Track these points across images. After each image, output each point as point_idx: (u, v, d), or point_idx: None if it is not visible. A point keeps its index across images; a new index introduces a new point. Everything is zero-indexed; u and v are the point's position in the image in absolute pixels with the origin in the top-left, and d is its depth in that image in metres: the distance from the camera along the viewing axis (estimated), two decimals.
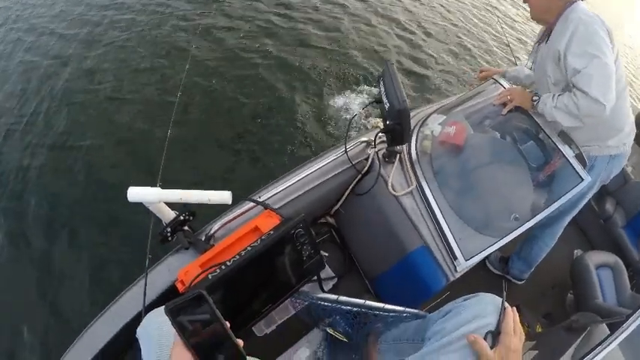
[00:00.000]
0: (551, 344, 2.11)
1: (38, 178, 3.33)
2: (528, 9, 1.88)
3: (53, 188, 3.25)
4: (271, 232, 1.38)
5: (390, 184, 1.91)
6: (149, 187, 1.46)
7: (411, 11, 6.66)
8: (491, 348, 0.91)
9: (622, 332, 1.80)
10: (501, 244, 1.77)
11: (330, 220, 2.35)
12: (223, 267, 1.28)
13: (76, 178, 3.32)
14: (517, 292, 2.53)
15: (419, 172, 1.95)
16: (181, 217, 1.62)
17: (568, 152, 1.86)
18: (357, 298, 2.12)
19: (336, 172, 2.04)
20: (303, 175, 1.95)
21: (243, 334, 1.43)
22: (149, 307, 1.41)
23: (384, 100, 1.78)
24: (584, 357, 1.74)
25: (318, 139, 3.87)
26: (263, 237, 1.36)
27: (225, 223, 1.75)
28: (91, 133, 3.69)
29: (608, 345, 1.75)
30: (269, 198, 1.85)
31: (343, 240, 2.33)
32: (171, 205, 1.59)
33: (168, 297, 1.58)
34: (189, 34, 4.87)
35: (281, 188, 1.89)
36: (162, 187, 1.48)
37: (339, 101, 4.36)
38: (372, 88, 4.63)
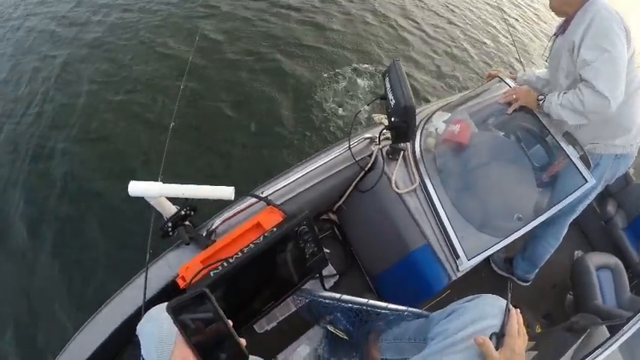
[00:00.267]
0: (551, 345, 2.11)
1: (39, 171, 3.31)
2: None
3: (51, 184, 3.22)
4: (274, 230, 1.36)
5: (393, 182, 1.90)
6: (150, 182, 1.44)
7: (413, 12, 6.61)
8: (496, 350, 0.91)
9: (622, 335, 1.79)
10: (504, 244, 1.77)
11: (333, 216, 2.34)
12: (225, 264, 1.26)
13: (75, 173, 3.29)
14: (517, 292, 2.52)
15: (422, 170, 1.94)
16: (182, 212, 1.60)
17: (572, 153, 1.85)
18: (358, 295, 2.12)
19: (340, 169, 2.02)
20: (306, 171, 1.94)
21: (244, 330, 1.43)
22: (149, 303, 1.40)
23: (390, 96, 1.76)
24: (583, 359, 1.73)
25: (321, 135, 3.86)
26: (266, 234, 1.34)
27: (227, 219, 1.74)
28: (90, 129, 3.65)
29: (608, 347, 1.74)
30: (271, 194, 1.83)
31: (345, 237, 2.32)
32: (173, 200, 1.58)
33: (168, 293, 1.58)
34: (191, 28, 4.83)
35: (284, 184, 1.87)
36: (164, 182, 1.47)
37: (342, 98, 4.34)
38: (374, 85, 4.62)
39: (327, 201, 2.18)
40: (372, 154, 2.03)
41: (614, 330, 1.88)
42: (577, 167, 1.82)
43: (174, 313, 0.72)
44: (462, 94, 2.44)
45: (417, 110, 2.17)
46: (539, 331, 2.30)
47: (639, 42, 1.86)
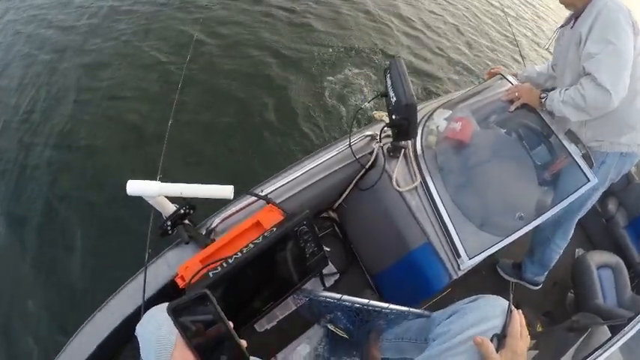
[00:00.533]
0: (552, 344, 2.11)
1: (35, 172, 3.27)
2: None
3: (50, 183, 3.19)
4: (274, 229, 1.35)
5: (394, 180, 1.88)
6: (149, 181, 1.43)
7: (416, 7, 6.59)
8: (497, 351, 0.90)
9: (623, 336, 1.78)
10: (505, 243, 1.75)
11: (333, 214, 2.33)
12: (225, 264, 1.25)
13: (73, 172, 3.26)
14: (518, 290, 2.52)
15: (423, 168, 1.92)
16: (182, 211, 1.59)
17: (575, 151, 1.83)
18: (358, 293, 2.11)
19: (340, 166, 2.00)
20: (306, 169, 1.92)
21: (244, 330, 1.42)
22: (149, 302, 1.40)
23: (390, 93, 1.74)
24: (584, 359, 1.72)
25: (321, 133, 3.84)
26: (266, 234, 1.33)
27: (227, 217, 1.73)
28: (89, 128, 3.61)
29: (609, 348, 1.73)
30: (271, 192, 1.82)
31: (345, 235, 2.31)
32: (172, 199, 1.56)
33: (167, 292, 1.57)
34: (190, 27, 4.77)
35: (283, 182, 1.86)
36: (162, 181, 1.45)
37: (341, 96, 4.32)
38: (375, 82, 4.60)
39: (328, 199, 2.16)
40: (372, 151, 2.01)
41: (615, 330, 1.87)
42: (579, 166, 1.80)
43: (175, 314, 0.72)
44: (463, 92, 2.42)
45: (418, 107, 2.16)
46: (540, 329, 2.29)
47: None
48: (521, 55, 3.95)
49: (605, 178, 1.98)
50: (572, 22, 1.84)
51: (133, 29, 4.69)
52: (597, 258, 2.48)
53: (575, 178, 1.82)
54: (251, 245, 1.29)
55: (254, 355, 1.08)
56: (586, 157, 1.86)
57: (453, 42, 6.13)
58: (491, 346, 0.90)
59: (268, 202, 1.69)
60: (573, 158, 1.82)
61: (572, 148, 1.84)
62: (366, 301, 1.44)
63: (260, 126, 3.79)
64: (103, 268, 2.66)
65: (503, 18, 7.26)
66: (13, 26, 4.83)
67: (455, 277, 1.77)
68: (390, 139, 1.95)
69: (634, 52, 1.61)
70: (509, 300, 0.99)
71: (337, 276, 2.17)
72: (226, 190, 1.47)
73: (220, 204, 1.73)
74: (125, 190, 1.40)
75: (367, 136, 2.08)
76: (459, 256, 1.74)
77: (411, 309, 1.42)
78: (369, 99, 1.83)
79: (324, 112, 4.07)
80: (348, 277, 2.22)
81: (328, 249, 2.23)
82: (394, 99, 1.70)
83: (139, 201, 1.47)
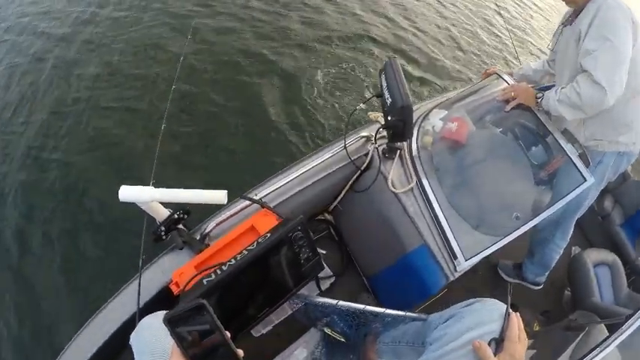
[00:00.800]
0: (550, 344, 2.11)
1: (23, 181, 3.24)
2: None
3: (40, 192, 3.16)
4: (268, 235, 1.33)
5: (389, 181, 1.86)
6: (141, 187, 1.41)
7: (409, 10, 6.54)
8: (495, 355, 0.90)
9: (621, 334, 1.78)
10: (502, 244, 1.74)
11: (328, 216, 2.32)
12: (219, 271, 1.24)
13: (64, 179, 3.22)
14: (515, 290, 2.51)
15: (419, 169, 1.90)
16: (175, 216, 1.58)
17: (571, 151, 1.82)
18: (354, 296, 2.11)
19: (335, 169, 1.98)
20: (301, 172, 1.91)
21: (240, 337, 1.41)
22: (144, 309, 1.39)
23: (386, 94, 1.73)
24: (582, 358, 1.72)
25: (316, 134, 3.82)
26: (260, 240, 1.31)
27: (221, 222, 1.71)
28: (77, 138, 3.55)
29: (607, 347, 1.73)
30: (266, 195, 1.80)
31: (341, 237, 2.29)
32: (166, 204, 1.55)
33: (162, 299, 1.55)
34: (181, 32, 4.70)
35: (278, 185, 1.84)
36: (155, 187, 1.44)
37: (337, 96, 4.30)
38: (371, 83, 4.59)
39: (323, 201, 2.15)
40: (368, 153, 1.99)
41: (612, 328, 1.87)
42: (576, 166, 1.79)
43: (171, 325, 0.71)
44: (459, 91, 2.41)
45: (414, 108, 2.15)
46: (538, 329, 2.29)
47: None
48: (516, 55, 3.94)
49: (602, 178, 1.98)
50: (572, 19, 1.83)
51: (118, 37, 4.63)
52: (594, 256, 2.48)
53: (572, 178, 1.81)
54: (245, 252, 1.27)
55: None
56: (582, 157, 1.85)
57: (448, 43, 6.11)
58: (489, 350, 0.89)
59: (263, 206, 1.67)
60: (570, 158, 1.81)
61: (568, 147, 1.83)
62: (362, 306, 1.43)
63: (254, 130, 3.76)
64: (96, 274, 2.64)
65: (497, 18, 7.25)
66: (17, 23, 4.80)
67: (452, 278, 1.76)
68: (386, 140, 1.94)
69: (633, 50, 1.60)
70: (506, 303, 0.99)
71: (333, 279, 2.16)
72: (220, 195, 1.46)
73: (215, 208, 1.71)
74: (117, 196, 1.38)
75: (362, 137, 2.06)
76: (455, 257, 1.73)
77: (407, 313, 1.42)
78: (364, 100, 1.82)
79: (317, 114, 4.05)
80: (344, 280, 2.20)
81: (324, 251, 2.22)
82: (389, 100, 1.68)
83: (132, 206, 1.45)
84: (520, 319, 0.97)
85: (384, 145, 1.97)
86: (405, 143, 1.96)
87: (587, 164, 1.85)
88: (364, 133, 2.07)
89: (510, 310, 0.97)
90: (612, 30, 1.56)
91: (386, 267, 1.99)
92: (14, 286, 2.67)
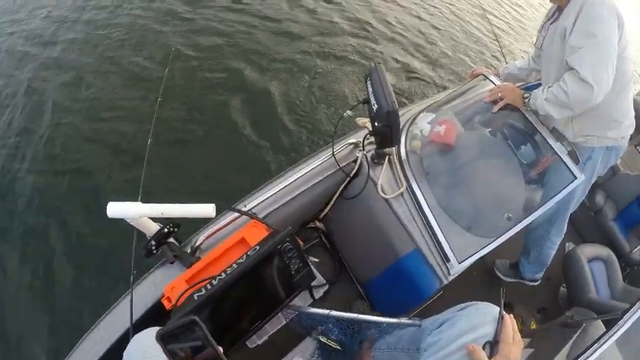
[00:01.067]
0: (547, 342, 2.11)
1: (11, 196, 3.20)
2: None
3: (27, 208, 3.12)
4: (257, 248, 1.33)
5: (379, 187, 1.85)
6: (129, 203, 1.40)
7: (396, 11, 6.56)
8: (490, 358, 0.89)
9: (618, 329, 1.78)
10: (495, 245, 1.74)
11: (319, 224, 2.31)
12: (209, 286, 1.23)
13: (51, 195, 3.19)
14: (510, 288, 2.51)
15: (409, 174, 1.90)
16: (165, 230, 1.56)
17: (560, 149, 1.83)
18: (348, 303, 2.11)
19: (324, 177, 1.97)
20: (290, 181, 1.89)
21: (234, 349, 1.39)
22: (136, 325, 1.38)
23: (372, 101, 1.72)
24: (580, 355, 1.72)
25: (304, 143, 3.79)
26: (249, 252, 1.31)
27: (212, 234, 1.69)
28: (66, 149, 3.52)
29: (605, 343, 1.73)
30: (256, 206, 1.79)
31: (333, 245, 2.29)
32: (156, 218, 1.54)
33: (155, 314, 1.54)
34: (169, 40, 4.68)
35: (267, 195, 1.82)
36: (144, 201, 1.43)
37: (324, 102, 4.29)
38: (358, 89, 4.59)
39: (313, 209, 2.14)
40: (356, 159, 1.99)
41: (610, 324, 1.87)
42: (566, 164, 1.80)
43: (164, 341, 0.72)
44: (446, 94, 2.41)
45: (401, 112, 2.15)
46: (535, 327, 2.29)
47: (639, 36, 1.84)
48: (502, 54, 3.95)
49: (592, 173, 1.99)
50: (556, 15, 1.83)
51: (111, 44, 4.59)
52: (588, 251, 2.49)
53: (562, 176, 1.82)
54: (234, 265, 1.27)
55: None
56: (571, 154, 1.86)
57: (434, 44, 6.09)
58: (483, 354, 0.89)
59: (252, 217, 1.67)
60: (559, 156, 1.82)
61: (557, 146, 1.84)
62: (354, 315, 1.43)
63: (242, 140, 3.72)
64: (88, 292, 2.62)
65: (483, 18, 7.27)
66: None
67: (445, 282, 1.76)
68: (374, 146, 1.93)
69: (619, 45, 1.60)
70: (499, 305, 0.98)
71: (326, 287, 2.15)
72: (208, 209, 1.45)
73: (205, 220, 1.70)
74: (106, 211, 1.37)
75: (350, 144, 2.05)
76: (448, 260, 1.72)
77: (401, 320, 1.41)
78: (351, 107, 1.82)
79: (304, 123, 4.02)
80: (338, 288, 2.20)
81: (316, 259, 2.21)
82: (376, 106, 1.67)
83: (121, 222, 1.44)
84: (514, 320, 0.97)
85: (373, 151, 1.96)
86: (393, 149, 1.96)
87: (576, 162, 1.85)
88: (352, 140, 2.06)
89: (504, 312, 0.96)
90: (597, 26, 1.56)
91: (379, 273, 1.98)
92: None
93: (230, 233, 1.66)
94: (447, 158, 2.00)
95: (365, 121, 2.07)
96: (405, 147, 1.99)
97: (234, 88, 4.23)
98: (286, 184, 1.87)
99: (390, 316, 1.46)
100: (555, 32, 1.78)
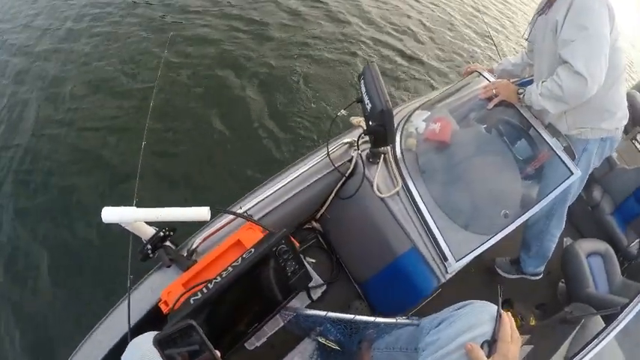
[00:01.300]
0: (547, 338, 2.10)
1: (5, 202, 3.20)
2: None
3: (22, 216, 3.11)
4: (252, 250, 1.32)
5: (375, 186, 1.85)
6: (124, 207, 1.39)
7: (388, 10, 6.54)
8: (488, 357, 0.89)
9: (617, 324, 1.78)
10: (492, 243, 1.74)
11: (316, 225, 2.30)
12: (205, 290, 1.22)
13: (47, 200, 3.18)
14: (509, 284, 2.51)
15: (405, 172, 1.89)
16: (161, 233, 1.56)
17: (556, 145, 1.83)
18: (346, 303, 2.10)
19: (319, 177, 1.96)
20: (285, 182, 1.88)
21: (232, 353, 1.39)
22: (134, 330, 1.38)
23: (365, 100, 1.71)
24: (580, 350, 1.71)
25: (298, 144, 3.79)
26: (244, 255, 1.30)
27: (207, 237, 1.69)
28: (58, 158, 3.49)
29: (604, 338, 1.73)
30: (251, 207, 1.78)
31: (330, 245, 2.28)
32: (151, 222, 1.53)
33: (152, 318, 1.53)
34: (159, 45, 4.62)
35: (262, 197, 1.81)
36: (138, 206, 1.42)
37: (317, 103, 4.28)
38: (351, 89, 4.58)
39: (309, 210, 2.13)
40: (351, 159, 1.98)
41: (608, 319, 1.87)
42: (562, 159, 1.80)
43: (161, 346, 0.72)
44: (440, 91, 2.40)
45: (396, 110, 2.14)
46: (534, 323, 2.29)
47: (631, 30, 1.83)
48: (497, 51, 3.95)
49: (588, 165, 1.99)
50: (546, 8, 1.82)
51: (96, 52, 4.54)
52: (586, 246, 2.49)
53: (559, 172, 1.82)
54: (230, 268, 1.26)
55: None
56: (567, 150, 1.86)
57: (427, 42, 6.09)
58: (482, 352, 0.89)
59: (247, 220, 1.66)
60: (555, 152, 1.82)
61: (553, 141, 1.84)
62: (351, 316, 1.43)
63: (235, 143, 3.71)
64: (85, 298, 2.61)
65: (476, 15, 7.27)
66: None
67: (443, 280, 1.76)
68: (369, 145, 1.93)
69: (611, 37, 1.59)
70: (497, 304, 0.98)
71: (324, 287, 2.15)
72: (202, 212, 1.44)
73: (201, 223, 1.70)
74: (100, 217, 1.36)
75: (345, 143, 2.04)
76: (445, 259, 1.72)
77: (399, 320, 1.40)
78: (345, 106, 1.81)
79: (299, 122, 4.02)
80: (336, 288, 2.20)
81: (313, 260, 2.21)
82: (369, 105, 1.67)
83: (116, 226, 1.44)
84: (512, 319, 0.97)
85: (368, 151, 1.96)
86: (388, 147, 1.95)
87: (572, 157, 1.85)
88: (347, 140, 2.05)
89: (502, 311, 0.96)
90: (588, 18, 1.55)
91: (377, 272, 1.98)
92: None
93: (226, 236, 1.66)
94: (442, 156, 2.00)
95: (359, 120, 2.07)
96: (401, 145, 1.99)
97: (228, 88, 4.24)
98: (281, 185, 1.86)
99: (388, 316, 1.45)
100: (546, 25, 1.78)
